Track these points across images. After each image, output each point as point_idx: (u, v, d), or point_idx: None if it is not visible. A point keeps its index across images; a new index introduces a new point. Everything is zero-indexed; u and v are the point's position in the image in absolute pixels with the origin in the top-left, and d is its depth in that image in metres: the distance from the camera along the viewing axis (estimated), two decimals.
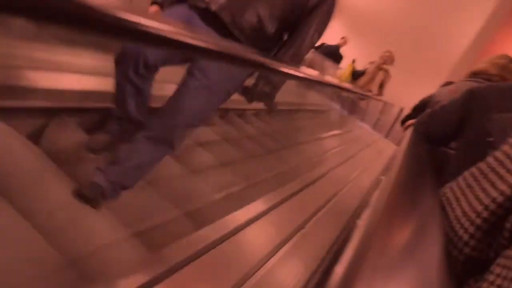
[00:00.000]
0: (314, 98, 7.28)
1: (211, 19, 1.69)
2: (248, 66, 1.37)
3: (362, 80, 7.29)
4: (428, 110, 2.11)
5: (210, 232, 1.58)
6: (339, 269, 0.42)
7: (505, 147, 0.57)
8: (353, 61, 8.00)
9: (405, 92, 7.64)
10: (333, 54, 8.34)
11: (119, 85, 1.78)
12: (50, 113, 1.97)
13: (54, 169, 1.67)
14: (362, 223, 0.56)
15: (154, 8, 1.82)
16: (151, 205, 1.89)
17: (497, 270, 0.48)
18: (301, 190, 2.52)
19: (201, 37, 0.76)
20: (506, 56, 2.25)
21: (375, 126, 8.70)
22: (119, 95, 1.82)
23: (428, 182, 1.06)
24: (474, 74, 2.31)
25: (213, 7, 1.66)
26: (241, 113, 4.10)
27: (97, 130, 2.03)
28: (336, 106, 8.26)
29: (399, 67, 7.60)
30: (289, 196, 2.30)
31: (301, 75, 1.60)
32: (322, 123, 6.66)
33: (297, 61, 1.85)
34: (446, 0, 9.89)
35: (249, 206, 1.98)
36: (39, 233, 1.33)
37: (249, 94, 1.87)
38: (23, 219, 1.34)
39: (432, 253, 0.53)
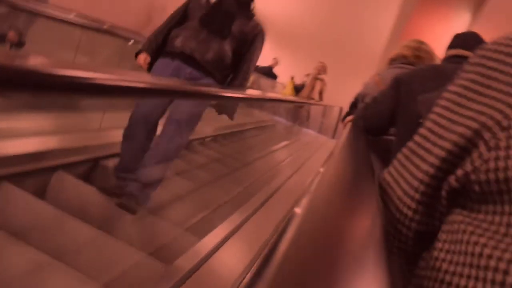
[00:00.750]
0: (258, 116, 7.47)
1: (187, 59, 2.39)
2: (207, 98, 1.98)
3: (304, 92, 7.97)
4: (362, 104, 2.20)
5: (183, 263, 1.61)
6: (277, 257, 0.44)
7: (428, 123, 0.60)
8: (292, 78, 8.80)
9: (342, 92, 7.96)
10: (268, 74, 9.16)
11: (131, 151, 2.38)
12: (50, 170, 2.27)
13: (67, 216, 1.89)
14: (299, 212, 0.58)
15: (143, 56, 2.45)
16: (112, 253, 1.87)
17: (443, 236, 0.51)
18: (262, 204, 2.55)
19: (171, 82, 0.83)
20: (416, 40, 2.39)
21: (320, 130, 8.98)
22: (129, 161, 2.39)
23: (365, 171, 1.07)
24: (392, 60, 2.41)
25: (187, 51, 2.38)
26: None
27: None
28: (280, 119, 8.48)
29: (333, 70, 8.17)
30: (251, 214, 2.33)
31: (250, 96, 2.26)
32: (270, 137, 6.85)
33: (246, 82, 2.58)
34: (355, 5, 10.60)
35: (215, 231, 2.00)
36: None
37: (217, 107, 2.61)
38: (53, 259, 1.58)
39: (371, 235, 0.53)
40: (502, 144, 0.45)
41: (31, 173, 2.14)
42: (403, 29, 9.63)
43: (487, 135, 0.47)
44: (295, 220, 0.51)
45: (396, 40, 9.59)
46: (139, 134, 2.36)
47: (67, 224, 1.86)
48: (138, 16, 6.98)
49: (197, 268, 1.59)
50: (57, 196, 2.18)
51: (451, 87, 0.59)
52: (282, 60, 9.77)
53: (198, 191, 2.85)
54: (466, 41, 1.83)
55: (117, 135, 2.46)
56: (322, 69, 7.91)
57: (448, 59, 1.86)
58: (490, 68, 0.53)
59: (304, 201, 0.63)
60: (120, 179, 2.39)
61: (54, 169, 2.27)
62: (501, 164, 0.45)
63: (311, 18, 11.26)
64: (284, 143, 6.14)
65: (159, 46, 2.49)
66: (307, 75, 8.28)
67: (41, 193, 2.16)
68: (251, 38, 2.53)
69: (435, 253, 0.50)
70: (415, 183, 0.56)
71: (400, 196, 0.59)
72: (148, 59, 2.44)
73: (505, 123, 0.46)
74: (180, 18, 2.55)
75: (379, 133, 2.01)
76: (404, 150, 0.62)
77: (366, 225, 0.54)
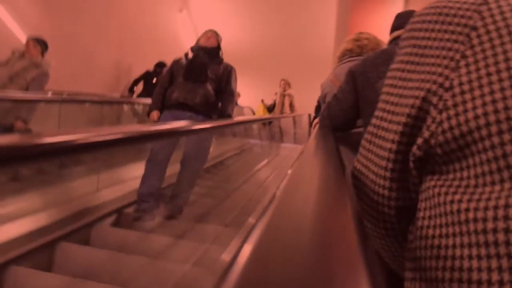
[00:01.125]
0: (233, 143, 7.86)
1: (183, 106, 3.32)
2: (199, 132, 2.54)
3: (276, 110, 8.84)
4: (325, 105, 2.18)
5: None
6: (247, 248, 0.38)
7: (380, 104, 0.65)
8: (262, 101, 9.76)
9: (308, 99, 8.39)
10: None
11: (151, 172, 3.19)
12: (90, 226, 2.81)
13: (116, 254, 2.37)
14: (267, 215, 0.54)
15: (155, 113, 3.39)
16: (165, 271, 2.31)
17: (422, 205, 0.52)
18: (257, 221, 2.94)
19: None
20: (354, 34, 2.48)
21: (295, 140, 9.32)
22: (150, 179, 3.19)
23: (332, 166, 1.02)
24: (340, 58, 2.44)
25: (181, 100, 3.32)
26: None
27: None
28: (255, 141, 8.81)
29: (295, 82, 8.92)
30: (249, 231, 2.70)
31: (221, 124, 2.77)
32: (251, 159, 7.26)
33: (233, 107, 3.57)
34: (296, 15, 11.35)
35: (232, 246, 2.42)
36: None
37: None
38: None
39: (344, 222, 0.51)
40: (449, 103, 0.47)
41: (76, 230, 2.63)
42: (346, 26, 10.10)
43: (434, 99, 0.49)
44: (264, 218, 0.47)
45: (343, 37, 10.16)
46: (156, 172, 3.23)
47: (119, 260, 2.31)
48: (104, 80, 7.35)
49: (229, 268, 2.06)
50: (101, 243, 2.65)
51: (393, 66, 0.62)
52: (247, 88, 10.41)
53: (209, 215, 3.31)
54: (406, 20, 1.93)
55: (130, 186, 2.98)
56: (286, 85, 8.73)
57: (393, 41, 1.88)
58: (421, 38, 0.55)
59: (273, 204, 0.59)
60: (140, 204, 3.15)
61: (92, 224, 2.78)
62: (453, 122, 0.47)
63: (261, 42, 11.95)
64: (265, 161, 6.46)
65: (162, 103, 3.47)
66: (275, 93, 9.10)
67: (86, 243, 2.65)
68: (226, 77, 3.54)
69: (419, 223, 0.51)
70: (383, 163, 0.57)
71: (372, 179, 0.60)
72: (159, 114, 3.41)
73: (447, 84, 0.48)
74: (169, 79, 3.54)
75: (347, 128, 2.00)
76: (366, 135, 0.64)
77: (336, 215, 0.52)
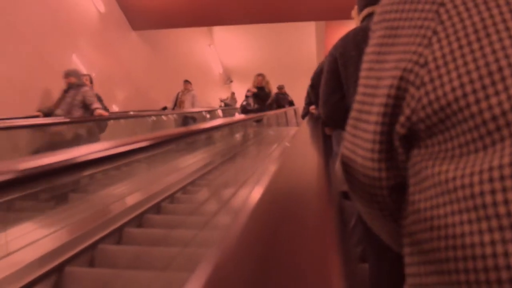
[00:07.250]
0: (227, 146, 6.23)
1: None
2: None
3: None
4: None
5: None
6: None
7: (360, 88, 0.55)
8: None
9: (300, 96, 9.53)
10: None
11: None
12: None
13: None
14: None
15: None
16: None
17: (412, 180, 0.46)
18: None
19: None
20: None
21: (298, 124, 9.21)
22: None
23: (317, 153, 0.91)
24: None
25: None
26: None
27: None
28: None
29: (290, 85, 9.80)
30: None
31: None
32: (267, 146, 6.31)
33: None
34: (289, 39, 13.04)
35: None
36: None
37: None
38: None
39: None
40: (426, 79, 0.42)
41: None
42: (322, 43, 11.60)
43: (411, 77, 0.43)
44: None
45: (322, 47, 11.62)
46: None
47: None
48: (153, 98, 8.29)
49: None
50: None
51: (368, 49, 0.53)
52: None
53: None
54: None
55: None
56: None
57: (366, 17, 1.62)
58: (392, 20, 0.48)
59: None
60: None
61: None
62: (432, 96, 0.41)
63: (265, 59, 13.45)
64: (274, 146, 5.84)
65: None
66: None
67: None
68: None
69: (411, 198, 0.46)
70: (369, 145, 0.50)
71: (361, 163, 0.52)
72: None
73: (422, 60, 0.42)
74: None
75: (334, 103, 1.72)
76: (350, 121, 0.56)
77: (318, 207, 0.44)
